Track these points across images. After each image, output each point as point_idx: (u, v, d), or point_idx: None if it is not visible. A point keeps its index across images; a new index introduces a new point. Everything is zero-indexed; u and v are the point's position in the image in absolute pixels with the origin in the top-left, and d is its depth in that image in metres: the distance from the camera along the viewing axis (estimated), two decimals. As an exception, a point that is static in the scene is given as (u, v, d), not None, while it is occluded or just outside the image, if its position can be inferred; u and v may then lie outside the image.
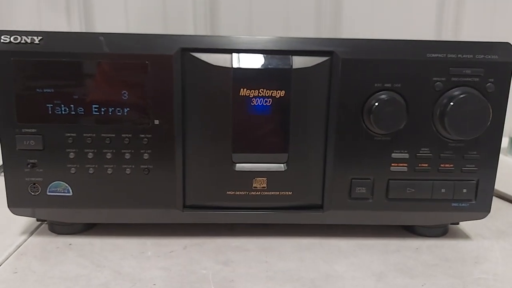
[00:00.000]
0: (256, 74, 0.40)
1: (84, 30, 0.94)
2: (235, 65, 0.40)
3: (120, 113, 0.40)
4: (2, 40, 0.38)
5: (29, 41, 0.38)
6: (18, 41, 0.38)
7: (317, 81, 0.41)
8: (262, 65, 0.40)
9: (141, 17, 0.96)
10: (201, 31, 0.97)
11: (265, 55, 0.40)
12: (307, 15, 0.99)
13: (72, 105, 0.40)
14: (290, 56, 0.40)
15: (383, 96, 0.40)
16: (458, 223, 0.48)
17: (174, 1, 0.96)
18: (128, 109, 0.40)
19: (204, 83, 0.40)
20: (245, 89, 0.40)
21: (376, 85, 0.41)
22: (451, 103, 0.40)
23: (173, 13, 0.96)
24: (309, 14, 0.98)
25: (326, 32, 0.98)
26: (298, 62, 0.40)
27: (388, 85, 0.41)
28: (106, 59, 0.39)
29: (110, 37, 0.39)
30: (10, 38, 0.38)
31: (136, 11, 0.95)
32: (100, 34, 0.39)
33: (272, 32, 0.96)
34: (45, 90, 0.40)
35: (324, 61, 0.40)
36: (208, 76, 0.40)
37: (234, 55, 0.40)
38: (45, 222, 0.46)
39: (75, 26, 0.95)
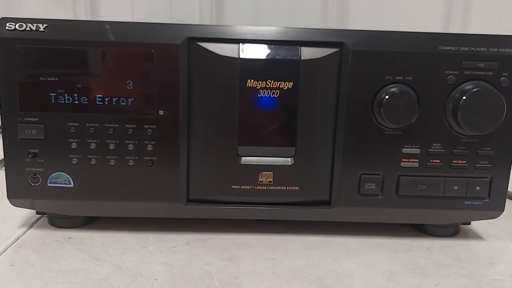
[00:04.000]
0: (263, 65, 0.39)
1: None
2: (242, 56, 0.39)
3: (124, 103, 0.39)
4: (7, 27, 0.38)
5: (34, 28, 0.38)
6: (23, 28, 0.38)
7: (326, 73, 0.40)
8: (270, 55, 0.39)
9: (147, 8, 0.96)
10: (207, 23, 0.97)
11: (273, 46, 0.39)
12: (313, 7, 0.98)
13: (75, 94, 0.39)
14: (299, 47, 0.39)
15: (394, 89, 0.39)
16: (469, 223, 0.46)
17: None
18: (132, 99, 0.39)
19: (211, 73, 0.39)
20: (252, 80, 0.39)
21: (387, 77, 0.40)
22: (464, 97, 0.39)
23: (179, 5, 0.96)
24: (316, 6, 0.97)
25: (333, 24, 0.97)
26: (307, 53, 0.39)
27: (399, 78, 0.40)
28: (112, 47, 0.38)
29: (116, 25, 0.38)
30: (15, 25, 0.38)
31: (142, 6, 0.95)
32: (105, 22, 0.38)
33: (278, 24, 0.96)
34: (48, 79, 0.39)
35: (334, 52, 0.39)
36: (214, 66, 0.39)
37: (242, 45, 0.39)
38: (45, 215, 0.45)
39: (81, 17, 0.95)
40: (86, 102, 0.39)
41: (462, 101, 0.39)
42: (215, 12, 1.00)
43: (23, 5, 0.97)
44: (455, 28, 0.97)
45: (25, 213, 0.45)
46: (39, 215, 0.45)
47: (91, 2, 0.97)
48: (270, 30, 0.39)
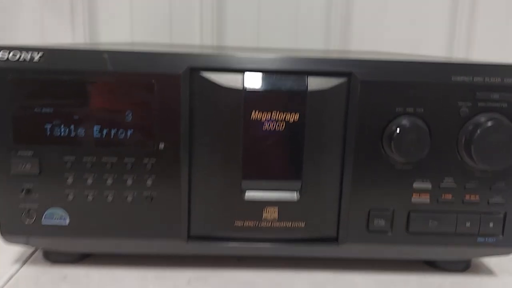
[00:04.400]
0: (268, 96, 0.38)
1: (88, 39, 0.92)
2: (246, 86, 0.37)
3: (123, 136, 0.38)
4: (0, 57, 0.36)
5: (28, 58, 0.36)
6: (17, 58, 0.36)
7: (334, 104, 0.38)
8: (276, 86, 0.38)
9: (147, 26, 0.95)
10: (207, 42, 0.95)
11: (278, 76, 0.38)
12: (316, 27, 0.97)
13: (72, 126, 0.37)
14: (306, 76, 0.38)
15: (405, 122, 0.37)
16: (482, 258, 0.45)
17: (180, 10, 0.94)
18: (132, 131, 0.38)
19: (214, 104, 0.38)
20: (256, 112, 0.38)
21: (397, 109, 0.38)
22: (478, 131, 0.37)
23: (179, 22, 0.94)
24: (318, 26, 0.96)
25: (335, 44, 0.96)
26: (314, 83, 0.38)
27: (410, 109, 0.38)
28: (110, 77, 0.37)
29: (115, 54, 0.37)
30: (8, 55, 0.36)
31: (142, 20, 0.94)
32: (104, 51, 0.37)
33: (280, 43, 0.94)
34: (43, 110, 0.37)
35: (342, 83, 0.38)
36: (217, 97, 0.37)
37: (246, 75, 0.37)
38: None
39: (79, 34, 0.93)
40: (83, 135, 0.37)
41: (475, 135, 0.37)
42: (216, 31, 0.98)
43: (19, 15, 0.95)
44: (459, 51, 0.97)
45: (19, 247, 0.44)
46: (33, 248, 0.44)
47: (90, 22, 0.95)
48: (275, 59, 0.38)
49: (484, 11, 0.94)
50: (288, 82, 0.38)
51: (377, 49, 0.91)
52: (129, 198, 0.38)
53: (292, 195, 0.39)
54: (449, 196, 0.40)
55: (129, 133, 0.38)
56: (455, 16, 0.95)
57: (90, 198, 0.38)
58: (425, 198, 0.40)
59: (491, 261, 0.45)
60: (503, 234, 0.40)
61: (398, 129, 0.37)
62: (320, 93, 0.38)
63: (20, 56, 0.36)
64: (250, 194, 0.39)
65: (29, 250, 0.43)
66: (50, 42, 0.94)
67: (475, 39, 0.97)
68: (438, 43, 0.97)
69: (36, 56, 0.36)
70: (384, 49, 0.91)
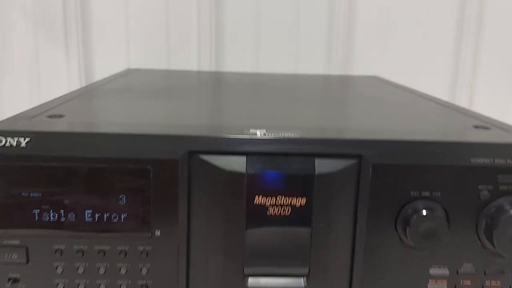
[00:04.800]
0: (273, 180, 0.35)
1: (83, 65, 0.91)
2: (249, 170, 0.35)
3: (116, 223, 0.35)
4: (-16, 141, 0.34)
5: (14, 144, 0.33)
6: (2, 144, 0.33)
7: (344, 187, 0.35)
8: (281, 169, 0.35)
9: (143, 51, 0.93)
10: (205, 67, 0.93)
11: (284, 158, 0.35)
12: (316, 50, 0.95)
13: (62, 211, 0.35)
14: (313, 159, 0.35)
15: (420, 208, 0.35)
16: None
17: (178, 34, 0.92)
18: (126, 218, 0.35)
19: (214, 189, 0.35)
20: (260, 197, 0.35)
21: (412, 193, 0.35)
22: (500, 215, 0.35)
23: (177, 46, 0.93)
24: (319, 49, 0.93)
25: (336, 69, 0.93)
26: (322, 166, 0.35)
27: (426, 193, 0.35)
28: (102, 163, 0.34)
29: (107, 137, 0.34)
30: (-8, 140, 0.34)
31: (138, 44, 0.92)
32: (95, 134, 0.34)
33: (280, 67, 0.92)
34: (31, 195, 0.35)
35: (352, 165, 0.35)
36: (218, 181, 0.35)
37: (249, 157, 0.35)
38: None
39: (74, 60, 0.92)
40: (74, 220, 0.35)
41: (497, 219, 0.35)
42: (214, 55, 0.96)
43: (12, 38, 0.94)
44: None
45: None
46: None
47: (84, 48, 0.93)
48: (280, 141, 0.35)
49: (489, 34, 0.91)
50: (294, 165, 0.35)
51: (379, 74, 0.89)
52: (123, 287, 0.36)
53: (299, 282, 0.37)
54: (468, 283, 0.37)
55: (122, 219, 0.35)
56: (460, 41, 0.92)
57: (81, 287, 0.36)
58: (442, 285, 0.37)
59: None
60: (526, 324, 0.37)
61: (413, 216, 0.35)
62: (328, 176, 0.35)
63: (5, 142, 0.33)
64: (253, 281, 0.37)
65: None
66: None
67: (480, 63, 0.94)
68: (441, 68, 0.94)
69: (23, 142, 0.34)
70: (385, 74, 0.88)
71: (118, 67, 0.90)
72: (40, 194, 0.35)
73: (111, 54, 0.90)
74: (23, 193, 0.34)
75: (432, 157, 0.35)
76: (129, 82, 0.64)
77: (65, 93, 0.52)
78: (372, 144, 0.35)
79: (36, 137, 0.34)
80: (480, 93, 0.91)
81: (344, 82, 0.75)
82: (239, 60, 0.92)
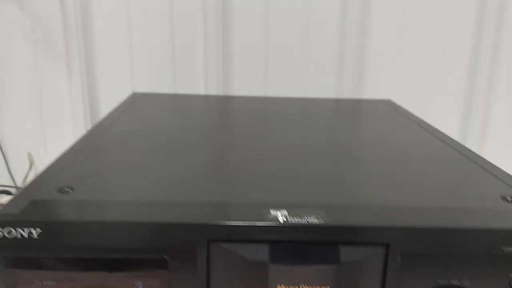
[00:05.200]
0: (296, 269, 0.33)
1: (86, 90, 0.89)
2: (272, 259, 0.33)
3: (132, 312, 0.34)
4: (-7, 232, 0.32)
5: (26, 235, 0.32)
6: (13, 236, 0.32)
7: (369, 276, 0.34)
8: (304, 258, 0.33)
9: (148, 75, 0.91)
10: (213, 91, 0.91)
11: (307, 246, 0.34)
12: (327, 73, 0.93)
13: (75, 298, 0.34)
14: (337, 246, 0.34)
15: (449, 298, 0.34)
16: None
17: (184, 57, 0.90)
18: (142, 306, 0.34)
19: (235, 278, 0.34)
20: (283, 286, 0.34)
21: (441, 281, 0.34)
22: (531, 305, 0.33)
23: (183, 71, 0.90)
24: (330, 72, 0.92)
25: (348, 93, 0.92)
26: (347, 254, 0.33)
27: (456, 282, 0.34)
28: (117, 253, 0.33)
29: (121, 226, 0.33)
30: (3, 232, 0.32)
31: (143, 68, 0.90)
32: (109, 223, 0.33)
33: (289, 91, 0.90)
34: (44, 283, 0.33)
35: (378, 253, 0.34)
36: (238, 271, 0.33)
37: (270, 246, 0.33)
38: None
39: (77, 85, 0.90)
40: (88, 308, 0.34)
41: (528, 309, 0.33)
42: (222, 80, 0.94)
43: (13, 61, 0.91)
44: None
45: None
46: None
47: (87, 73, 0.91)
48: (303, 228, 0.34)
49: (506, 60, 0.89)
50: (318, 253, 0.34)
51: (391, 97, 0.87)
52: None
53: None
54: None
55: (140, 308, 0.34)
56: (475, 69, 0.90)
57: None
58: None
59: None
60: None
61: (442, 307, 0.33)
62: (354, 265, 0.34)
63: (16, 234, 0.32)
64: None
65: None
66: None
67: (496, 89, 0.93)
68: (454, 92, 0.92)
69: (35, 233, 0.32)
70: (397, 98, 0.86)
71: (122, 88, 0.88)
72: (53, 284, 0.33)
73: (115, 77, 0.88)
74: (35, 282, 0.33)
75: (463, 245, 0.34)
76: (135, 120, 0.62)
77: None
78: (400, 232, 0.34)
79: (48, 227, 0.32)
80: (494, 120, 0.89)
81: (356, 116, 0.73)
82: (247, 83, 0.90)
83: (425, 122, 0.67)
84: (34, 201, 0.35)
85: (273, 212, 0.35)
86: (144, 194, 0.38)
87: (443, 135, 0.60)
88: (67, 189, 0.38)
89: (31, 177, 0.92)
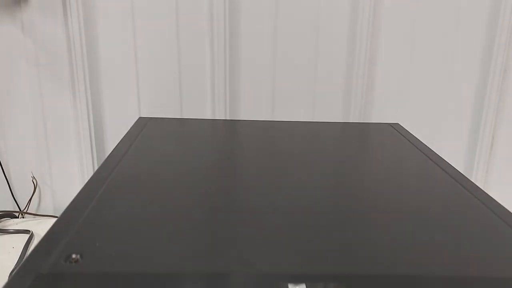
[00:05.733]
0: None
1: (92, 117, 0.87)
2: None
3: None
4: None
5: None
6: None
7: None
8: None
9: (154, 99, 0.89)
10: (220, 115, 0.89)
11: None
12: (334, 98, 0.91)
13: None
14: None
15: None
16: None
17: (191, 83, 0.88)
18: None
19: None
20: None
21: None
22: None
23: (190, 96, 0.89)
24: (337, 96, 0.90)
25: (355, 117, 0.90)
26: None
27: None
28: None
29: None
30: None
31: (149, 94, 0.88)
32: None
33: (295, 115, 0.88)
34: None
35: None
36: None
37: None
38: None
39: (82, 108, 0.88)
40: None
41: None
42: (229, 104, 0.92)
43: (18, 84, 0.90)
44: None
45: None
46: None
47: (92, 98, 0.89)
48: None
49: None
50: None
51: (398, 121, 0.85)
52: None
53: None
54: None
55: None
56: (484, 93, 0.88)
57: None
58: None
59: None
60: None
61: None
62: None
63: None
64: None
65: None
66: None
67: (504, 108, 0.91)
68: (460, 121, 0.91)
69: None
70: (404, 122, 0.84)
71: (128, 110, 0.86)
72: None
73: (120, 99, 0.86)
74: None
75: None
76: (142, 159, 0.60)
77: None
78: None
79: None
80: (501, 142, 0.87)
81: (363, 144, 0.71)
82: (253, 107, 0.88)
83: (434, 153, 0.65)
84: (39, 276, 0.33)
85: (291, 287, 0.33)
86: (154, 262, 0.36)
87: (455, 173, 0.57)
88: (74, 257, 0.36)
89: (35, 201, 0.90)
